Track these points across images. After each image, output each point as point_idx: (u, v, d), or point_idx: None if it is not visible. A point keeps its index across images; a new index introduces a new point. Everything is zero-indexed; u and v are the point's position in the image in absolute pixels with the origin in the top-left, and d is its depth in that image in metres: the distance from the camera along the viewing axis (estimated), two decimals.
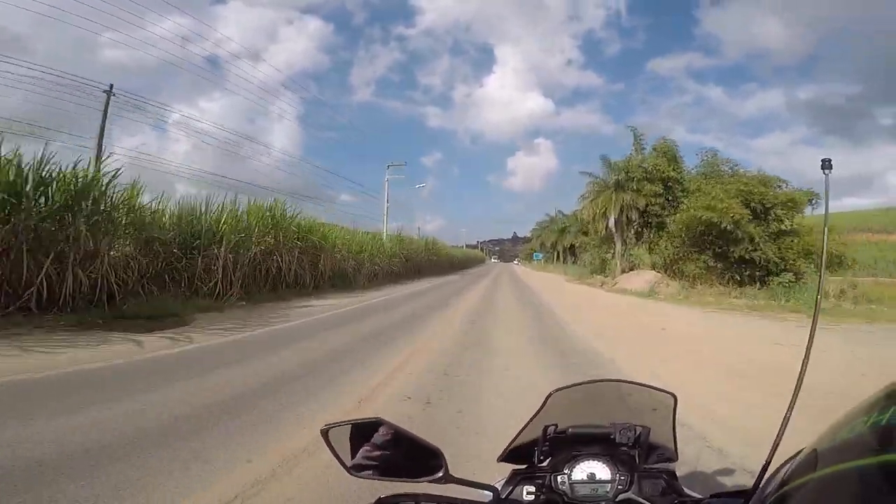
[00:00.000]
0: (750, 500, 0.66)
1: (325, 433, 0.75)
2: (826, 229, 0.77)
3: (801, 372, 0.74)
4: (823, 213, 0.74)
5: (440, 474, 0.71)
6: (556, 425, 0.86)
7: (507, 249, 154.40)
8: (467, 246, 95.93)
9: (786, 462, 0.50)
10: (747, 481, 0.72)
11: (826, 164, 0.76)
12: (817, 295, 0.80)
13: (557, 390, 0.84)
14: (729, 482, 1.78)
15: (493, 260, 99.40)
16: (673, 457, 0.87)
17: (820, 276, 0.84)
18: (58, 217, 7.36)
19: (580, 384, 0.86)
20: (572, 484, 0.81)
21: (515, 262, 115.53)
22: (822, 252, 0.81)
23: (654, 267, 19.56)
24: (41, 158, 7.34)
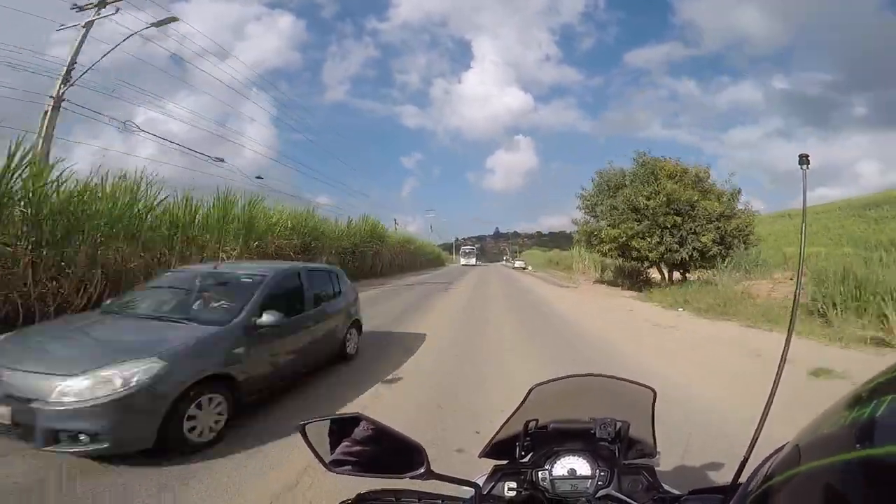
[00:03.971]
0: (728, 496, 0.70)
1: (301, 429, 0.76)
2: (804, 226, 0.81)
3: (778, 370, 0.78)
4: (802, 208, 0.79)
5: (422, 470, 0.73)
6: (538, 420, 0.90)
7: (488, 247, 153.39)
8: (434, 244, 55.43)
9: (768, 457, 0.53)
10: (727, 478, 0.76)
11: (803, 160, 0.80)
12: (795, 291, 0.85)
13: (538, 385, 0.88)
14: (708, 478, 1.85)
15: (472, 261, 57.58)
16: (652, 452, 0.92)
17: (798, 273, 0.89)
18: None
19: (561, 378, 0.89)
20: (553, 480, 0.86)
21: (505, 259, 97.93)
22: (801, 247, 0.84)
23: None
24: None
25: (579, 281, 25.13)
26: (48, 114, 11.00)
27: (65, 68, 11.30)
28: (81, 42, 11.60)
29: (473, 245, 73.73)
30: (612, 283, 21.85)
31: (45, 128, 10.92)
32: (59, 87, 11.20)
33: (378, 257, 25.10)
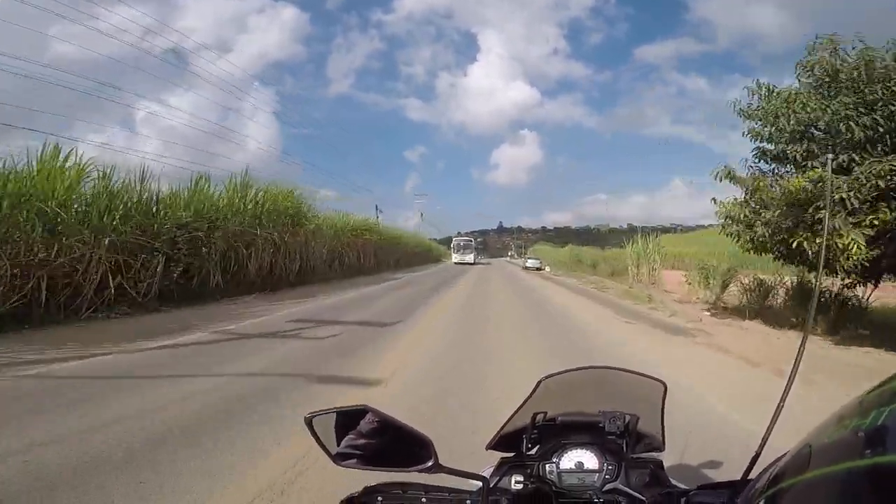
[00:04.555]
0: (737, 491, 0.69)
1: (308, 421, 0.76)
2: (828, 212, 0.79)
3: (793, 369, 0.78)
4: (827, 197, 0.75)
5: (429, 464, 0.73)
6: (546, 413, 0.90)
7: (492, 241, 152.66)
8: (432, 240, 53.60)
9: (776, 460, 0.53)
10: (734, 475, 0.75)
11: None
12: (816, 283, 0.83)
13: (548, 377, 0.88)
14: (715, 474, 1.84)
15: (469, 258, 42.10)
16: (660, 447, 0.93)
17: (819, 264, 0.87)
18: None
19: (570, 371, 0.89)
20: (560, 473, 0.85)
21: (509, 255, 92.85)
22: (823, 237, 0.82)
23: None
24: None
25: (675, 306, 12.45)
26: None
27: None
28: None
29: (472, 239, 47.68)
30: (767, 317, 9.54)
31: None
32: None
33: (294, 255, 15.43)
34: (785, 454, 0.50)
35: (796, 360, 0.78)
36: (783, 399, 0.77)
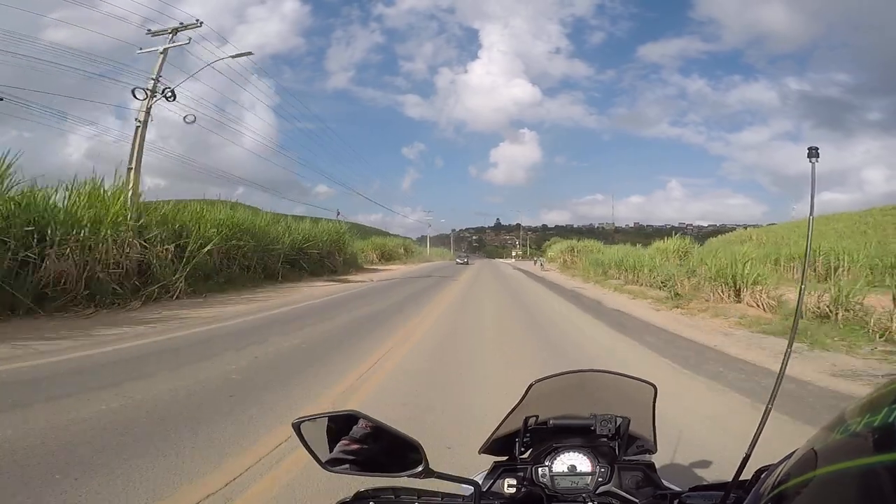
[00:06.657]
0: (730, 492, 0.71)
1: (296, 427, 0.77)
2: (811, 220, 0.81)
3: (780, 370, 0.79)
4: (809, 203, 0.79)
5: (420, 469, 0.74)
6: (537, 416, 0.91)
7: (488, 239, 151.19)
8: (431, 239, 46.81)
9: (781, 461, 0.54)
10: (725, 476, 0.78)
11: (813, 153, 0.79)
12: (800, 287, 0.86)
13: (538, 381, 0.90)
14: (707, 475, 1.87)
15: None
16: (652, 448, 0.95)
17: (804, 269, 0.89)
18: None
19: (561, 374, 0.91)
20: (553, 476, 0.87)
21: (514, 255, 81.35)
22: (807, 245, 0.85)
23: None
24: None
25: None
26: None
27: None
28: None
29: (475, 240, 27.56)
30: None
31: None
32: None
33: None
34: (790, 455, 0.51)
35: (783, 363, 0.81)
36: (771, 402, 0.78)
